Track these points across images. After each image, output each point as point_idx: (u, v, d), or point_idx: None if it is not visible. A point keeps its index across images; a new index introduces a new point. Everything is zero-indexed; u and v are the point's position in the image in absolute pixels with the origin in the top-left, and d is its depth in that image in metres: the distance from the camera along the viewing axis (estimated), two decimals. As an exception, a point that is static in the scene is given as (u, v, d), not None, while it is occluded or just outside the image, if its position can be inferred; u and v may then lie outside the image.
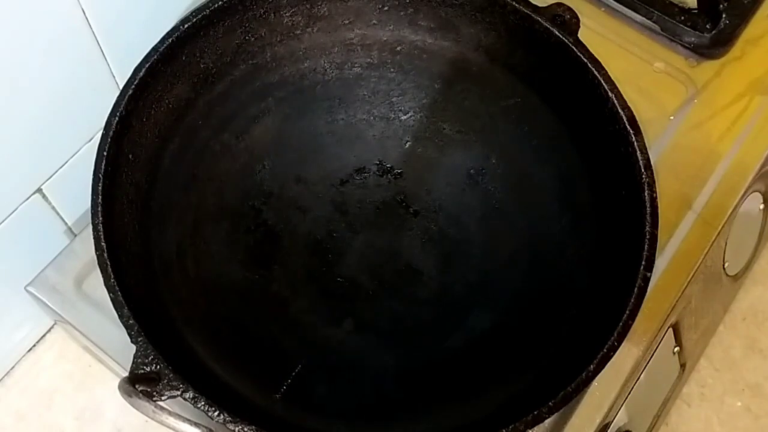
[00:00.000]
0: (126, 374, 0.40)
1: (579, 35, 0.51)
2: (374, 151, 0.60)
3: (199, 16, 0.49)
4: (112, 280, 0.42)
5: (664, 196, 0.48)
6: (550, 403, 0.42)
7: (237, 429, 0.40)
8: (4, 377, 0.64)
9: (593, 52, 0.50)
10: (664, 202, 0.48)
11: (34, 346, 0.65)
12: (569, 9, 0.52)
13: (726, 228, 0.64)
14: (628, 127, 0.48)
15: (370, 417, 0.51)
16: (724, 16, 0.66)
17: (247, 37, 0.53)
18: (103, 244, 0.43)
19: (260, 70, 0.55)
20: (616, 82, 0.49)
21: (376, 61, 0.58)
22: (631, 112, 0.49)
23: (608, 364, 0.43)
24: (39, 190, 0.55)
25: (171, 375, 0.40)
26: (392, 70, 0.59)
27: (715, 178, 0.62)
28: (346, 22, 0.56)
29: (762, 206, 0.73)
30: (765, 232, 0.76)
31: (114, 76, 0.54)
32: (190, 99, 0.52)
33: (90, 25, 0.49)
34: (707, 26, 0.66)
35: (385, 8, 0.56)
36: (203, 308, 0.51)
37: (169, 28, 0.49)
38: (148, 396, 0.39)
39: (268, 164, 0.58)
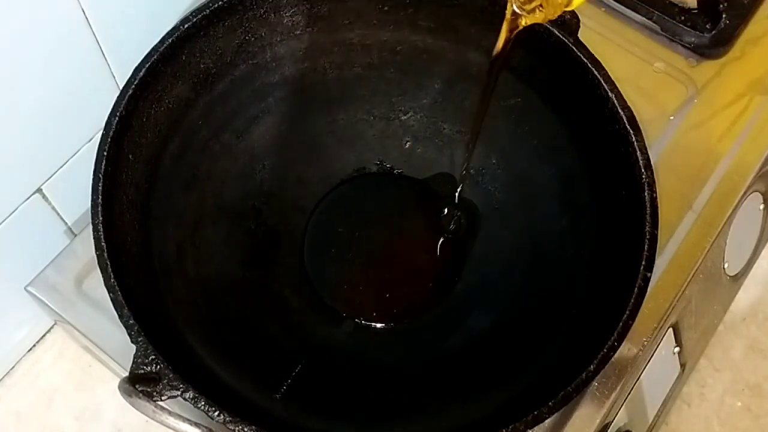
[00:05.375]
0: (126, 374, 0.40)
1: (579, 35, 0.51)
2: (374, 151, 0.61)
3: (199, 16, 0.49)
4: (112, 280, 0.42)
5: (664, 196, 0.48)
6: (550, 403, 0.42)
7: (237, 429, 0.40)
8: (4, 377, 0.64)
9: (593, 52, 0.50)
10: (664, 202, 0.48)
11: (34, 346, 0.65)
12: (569, 9, 0.52)
13: (726, 228, 0.64)
14: (628, 127, 0.48)
15: (370, 417, 0.51)
16: (724, 16, 0.66)
17: (247, 37, 0.53)
18: (103, 244, 0.43)
19: (260, 70, 0.55)
20: (616, 82, 0.49)
21: (376, 61, 0.58)
22: (631, 112, 0.49)
23: (608, 364, 0.43)
24: (39, 190, 0.55)
25: (171, 375, 0.40)
26: (392, 70, 0.59)
27: (715, 178, 0.62)
28: (346, 22, 0.56)
29: (762, 206, 0.73)
30: (765, 232, 0.76)
31: (114, 76, 0.54)
32: (190, 99, 0.52)
33: (90, 25, 0.49)
34: (707, 26, 0.66)
35: (385, 8, 0.55)
36: (203, 308, 0.51)
37: (169, 28, 0.49)
38: (148, 396, 0.39)
39: (268, 164, 0.58)
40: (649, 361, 0.59)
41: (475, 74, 0.57)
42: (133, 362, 0.41)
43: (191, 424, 0.38)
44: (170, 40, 0.48)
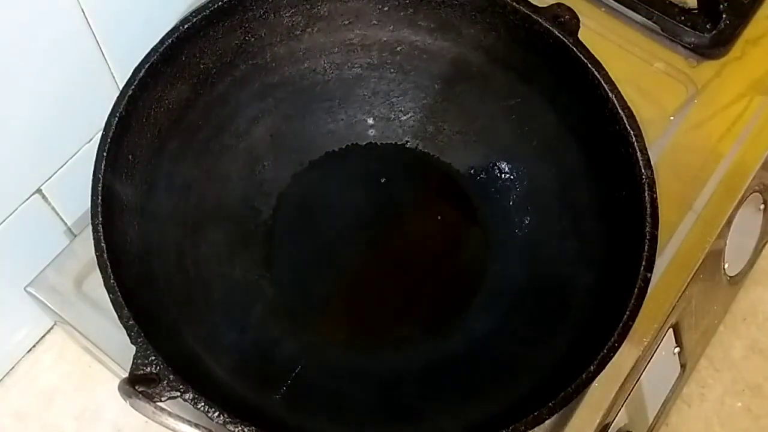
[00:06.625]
0: (126, 375, 0.40)
1: (579, 35, 0.51)
2: (375, 152, 0.60)
3: (199, 16, 0.49)
4: (112, 281, 0.42)
5: (665, 196, 0.48)
6: (550, 404, 0.42)
7: (237, 429, 0.40)
8: (4, 377, 0.64)
9: (593, 52, 0.50)
10: (665, 202, 0.48)
11: (34, 346, 0.65)
12: (569, 9, 0.52)
13: (726, 228, 0.64)
14: (628, 127, 0.48)
15: (370, 418, 0.51)
16: (724, 16, 0.66)
17: (247, 38, 0.53)
18: (102, 244, 0.43)
19: (260, 71, 0.55)
20: (616, 82, 0.49)
21: (376, 61, 0.58)
22: (631, 112, 0.49)
23: (608, 364, 0.43)
24: (39, 191, 0.55)
25: (171, 376, 0.40)
26: (392, 70, 0.59)
27: (715, 178, 0.62)
28: (346, 22, 0.56)
29: (762, 206, 0.73)
30: (765, 232, 0.76)
31: (114, 77, 0.54)
32: (190, 99, 0.52)
33: (90, 26, 0.49)
34: (707, 26, 0.66)
35: (385, 8, 0.55)
36: (203, 309, 0.51)
37: (169, 28, 0.49)
38: (148, 397, 0.39)
39: (268, 164, 0.58)
40: (649, 362, 0.59)
41: (475, 74, 0.57)
42: (133, 363, 0.41)
43: (191, 425, 0.38)
44: (170, 41, 0.48)
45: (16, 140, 0.50)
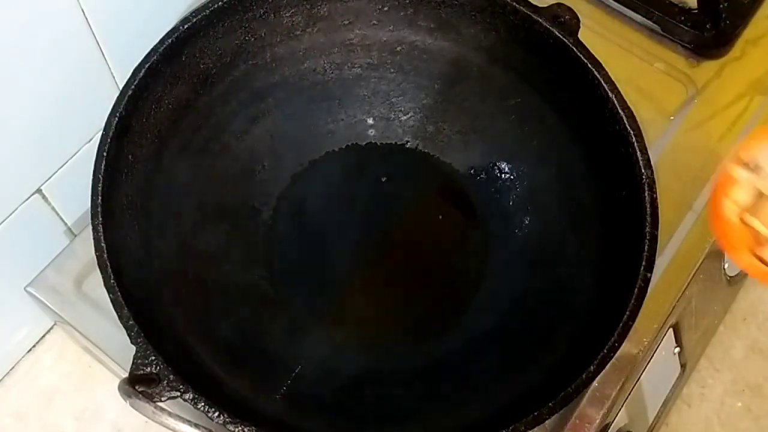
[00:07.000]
0: (126, 375, 0.40)
1: (579, 35, 0.51)
2: (374, 152, 0.60)
3: (199, 16, 0.49)
4: (112, 281, 0.42)
5: (664, 196, 0.48)
6: (550, 404, 0.42)
7: (237, 429, 0.40)
8: (4, 377, 0.64)
9: (593, 53, 0.50)
10: (664, 202, 0.48)
11: (34, 346, 0.65)
12: (569, 9, 0.52)
13: (726, 228, 0.64)
14: (628, 127, 0.48)
15: (370, 417, 0.51)
16: (724, 16, 0.66)
17: (247, 38, 0.53)
18: (102, 244, 0.43)
19: (260, 71, 0.55)
20: (616, 83, 0.49)
21: (376, 61, 0.58)
22: (631, 112, 0.49)
23: (608, 364, 0.43)
24: (39, 191, 0.55)
25: (171, 376, 0.40)
26: (392, 70, 0.59)
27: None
28: (346, 22, 0.56)
29: (762, 206, 0.73)
30: (765, 233, 0.76)
31: (114, 77, 0.54)
32: (190, 99, 0.52)
33: (90, 26, 0.49)
34: (707, 26, 0.66)
35: (385, 8, 0.55)
36: (203, 309, 0.51)
37: (169, 28, 0.49)
38: (148, 397, 0.39)
39: (268, 164, 0.58)
40: (649, 362, 0.59)
41: (475, 74, 0.57)
42: (133, 363, 0.41)
43: (191, 425, 0.38)
44: (170, 41, 0.48)
45: (16, 140, 0.50)
